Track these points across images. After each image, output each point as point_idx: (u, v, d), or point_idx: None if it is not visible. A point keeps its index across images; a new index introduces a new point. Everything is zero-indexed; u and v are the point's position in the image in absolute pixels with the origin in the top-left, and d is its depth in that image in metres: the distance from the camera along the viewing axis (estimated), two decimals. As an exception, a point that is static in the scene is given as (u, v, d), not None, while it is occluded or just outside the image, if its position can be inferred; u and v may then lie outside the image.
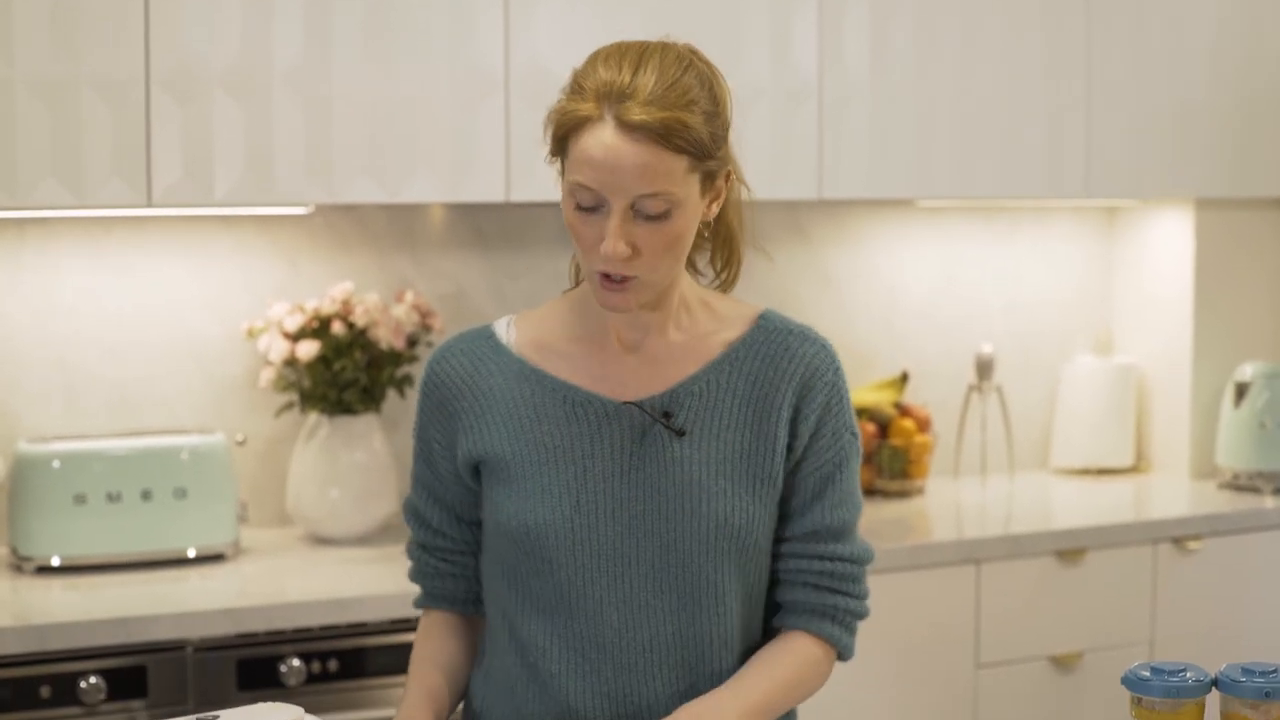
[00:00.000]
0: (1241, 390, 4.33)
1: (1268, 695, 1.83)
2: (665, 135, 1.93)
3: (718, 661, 2.12)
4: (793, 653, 2.15)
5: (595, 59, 2.00)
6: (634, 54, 1.98)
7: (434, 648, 2.23)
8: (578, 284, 2.22)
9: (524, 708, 2.12)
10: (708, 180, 2.02)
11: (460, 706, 2.26)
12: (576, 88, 1.98)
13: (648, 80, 1.94)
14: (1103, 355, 4.58)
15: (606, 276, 2.00)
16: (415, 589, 2.30)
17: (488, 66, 3.49)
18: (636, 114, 1.92)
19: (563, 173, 2.03)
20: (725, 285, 2.23)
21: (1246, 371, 4.34)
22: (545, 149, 2.06)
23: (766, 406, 2.13)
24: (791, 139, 3.77)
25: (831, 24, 3.78)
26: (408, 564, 2.31)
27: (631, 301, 2.03)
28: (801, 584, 2.16)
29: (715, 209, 2.07)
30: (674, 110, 1.94)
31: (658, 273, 2.01)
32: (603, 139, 1.93)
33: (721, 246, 2.20)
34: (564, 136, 1.99)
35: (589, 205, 1.97)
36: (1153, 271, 4.57)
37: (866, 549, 2.19)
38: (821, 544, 2.16)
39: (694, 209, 2.01)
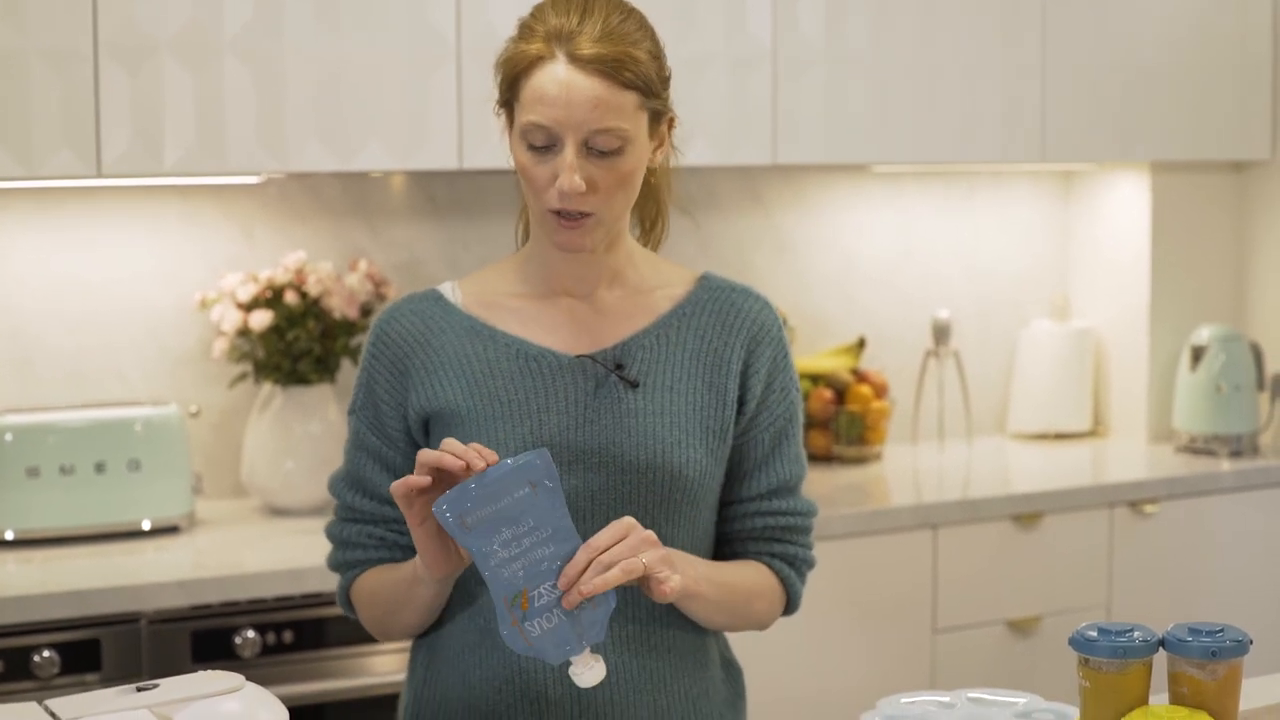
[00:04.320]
0: (1198, 354, 4.35)
1: (1214, 654, 1.84)
2: (615, 69, 1.99)
3: (667, 623, 2.13)
4: (756, 569, 2.19)
5: (543, 7, 2.05)
6: (580, 1, 2.04)
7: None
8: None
9: (472, 673, 2.12)
10: (654, 121, 2.07)
11: (405, 683, 2.25)
12: (525, 32, 2.04)
13: (595, 22, 2.01)
14: (1060, 320, 4.59)
15: (561, 215, 2.03)
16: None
17: (440, 33, 3.47)
18: (587, 49, 1.98)
19: (511, 121, 2.06)
20: (652, 246, 2.27)
21: (1203, 335, 4.36)
22: (494, 99, 2.09)
23: (717, 361, 2.15)
24: (746, 104, 3.76)
25: (785, -11, 3.78)
26: (329, 550, 2.22)
27: (586, 241, 2.05)
28: (758, 538, 2.19)
29: (660, 156, 2.12)
30: (622, 46, 2.00)
31: (611, 210, 2.05)
32: (556, 75, 1.99)
33: (648, 205, 2.23)
34: (515, 79, 2.03)
35: (542, 145, 2.01)
36: (1109, 236, 4.58)
37: (813, 503, 2.24)
38: (778, 499, 2.19)
39: (643, 148, 2.05)
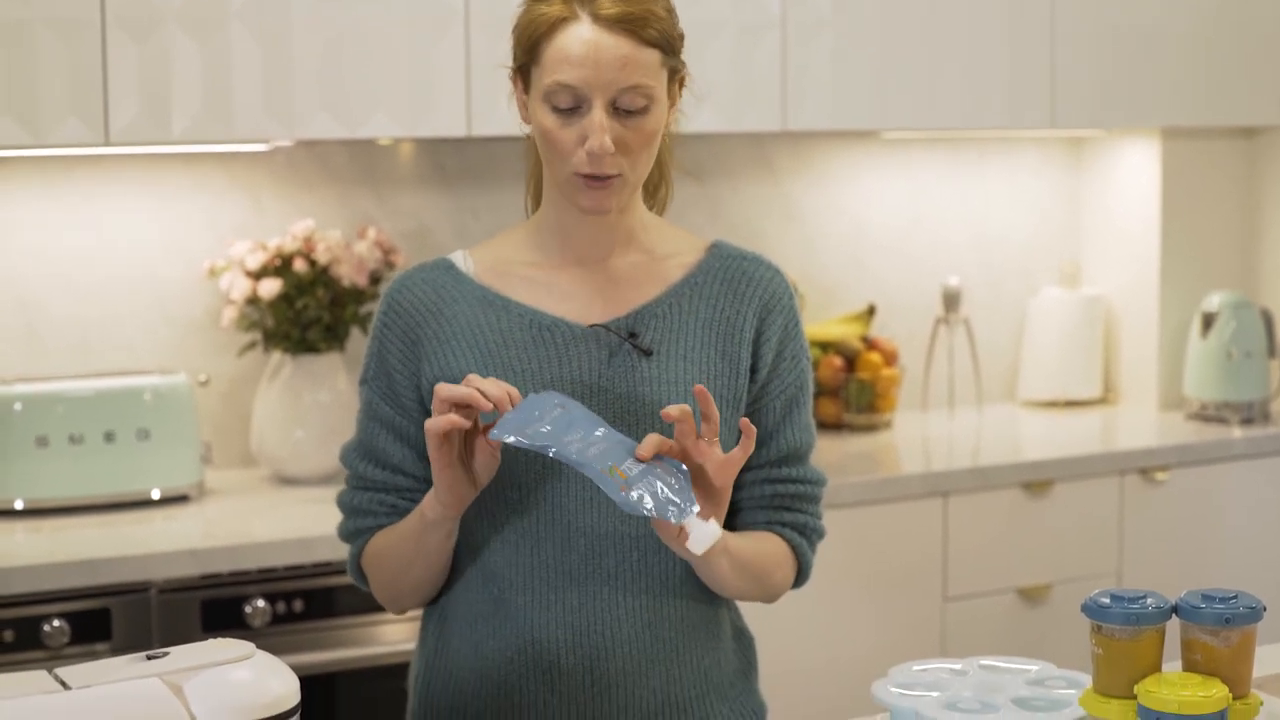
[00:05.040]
0: (1208, 321, 4.34)
1: (1228, 621, 1.83)
2: (640, 26, 1.99)
3: (681, 593, 2.12)
4: (770, 540, 2.18)
5: None
6: None
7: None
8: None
9: (484, 642, 2.11)
10: (673, 80, 2.07)
11: (415, 652, 2.25)
12: None
13: None
14: (1070, 287, 4.58)
15: (589, 177, 2.02)
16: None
17: None
18: (609, 8, 1.98)
19: (526, 86, 2.06)
20: (657, 211, 2.27)
21: (1213, 302, 4.35)
22: (508, 66, 2.09)
23: (729, 329, 2.15)
24: (755, 70, 3.74)
25: (795, -45, 3.76)
26: (340, 519, 2.21)
27: (612, 202, 2.05)
28: (769, 507, 2.19)
29: (674, 116, 2.12)
30: (643, 4, 2.00)
31: (636, 171, 2.05)
32: (581, 35, 1.98)
33: (651, 170, 2.21)
34: (535, 42, 2.02)
35: (568, 106, 2.00)
36: (1119, 203, 4.56)
37: (822, 472, 2.25)
38: (788, 467, 2.19)
39: (664, 107, 2.05)
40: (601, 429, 1.94)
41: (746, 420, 1.96)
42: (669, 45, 2.04)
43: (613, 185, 2.03)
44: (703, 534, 1.89)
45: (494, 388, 1.93)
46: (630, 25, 1.98)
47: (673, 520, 1.89)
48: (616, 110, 2.00)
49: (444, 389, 1.92)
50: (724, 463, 1.97)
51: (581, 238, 2.14)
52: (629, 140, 2.01)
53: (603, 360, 2.09)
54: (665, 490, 1.89)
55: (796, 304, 2.21)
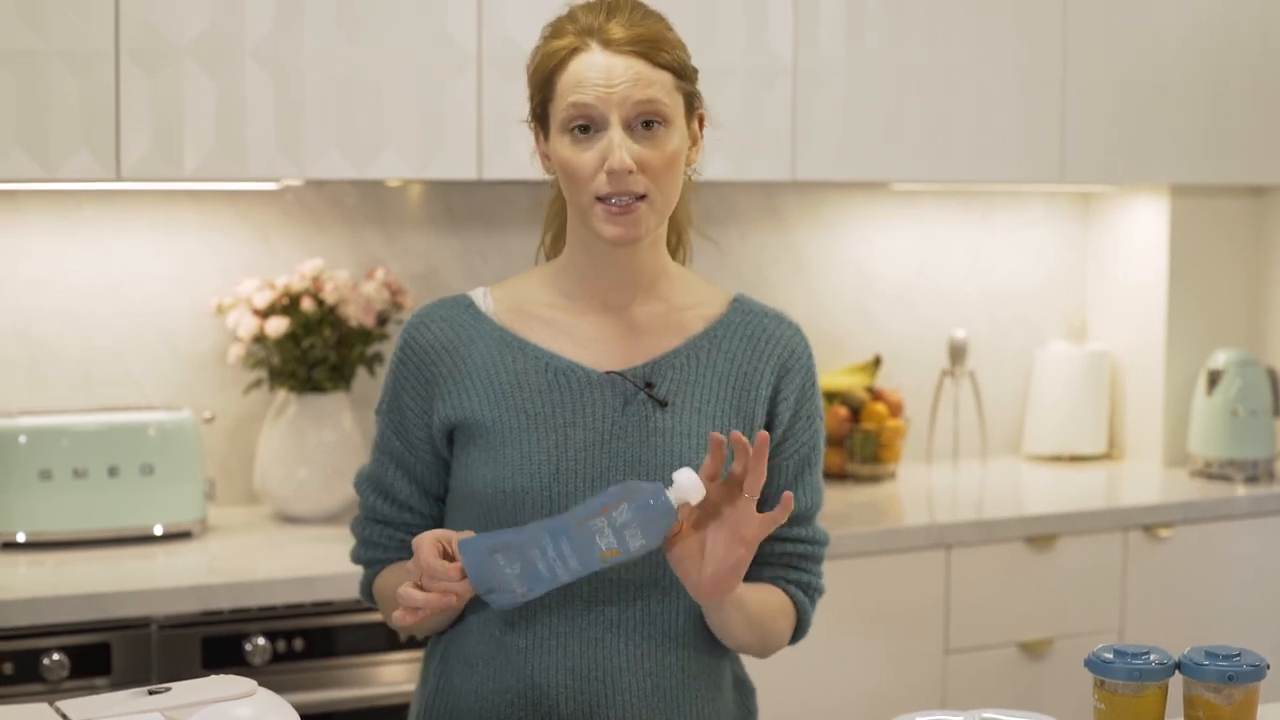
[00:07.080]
0: (1214, 378, 4.33)
1: (1231, 679, 1.83)
2: (651, 49, 2.02)
3: (683, 643, 2.11)
4: (773, 592, 2.17)
5: (571, 11, 2.08)
6: (606, 2, 2.07)
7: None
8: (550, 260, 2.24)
9: (485, 685, 2.11)
10: (690, 107, 2.09)
11: (415, 693, 2.25)
12: (555, 31, 2.07)
13: (623, 15, 2.04)
14: (1076, 342, 4.58)
15: (611, 201, 2.02)
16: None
17: (460, 42, 3.46)
18: (619, 33, 2.02)
19: (544, 130, 2.08)
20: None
21: (1219, 359, 4.34)
22: (525, 115, 2.12)
23: (746, 385, 2.14)
24: (765, 119, 3.75)
25: (807, 2, 3.77)
26: (353, 543, 2.26)
27: (639, 229, 2.04)
28: (775, 564, 2.19)
29: (695, 155, 2.12)
30: (651, 29, 2.04)
31: (662, 194, 2.05)
32: (594, 61, 2.02)
33: (670, 228, 2.22)
34: (549, 76, 2.05)
35: (585, 127, 2.02)
36: (1127, 258, 4.57)
37: (826, 532, 2.24)
38: (797, 528, 2.18)
39: (683, 134, 2.06)
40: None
41: (789, 495, 1.93)
42: (682, 70, 2.06)
43: (637, 210, 2.02)
44: (686, 482, 1.87)
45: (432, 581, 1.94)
46: (640, 48, 2.02)
47: (657, 502, 1.87)
48: (634, 131, 2.01)
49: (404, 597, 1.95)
50: (761, 521, 1.93)
51: (604, 281, 2.14)
52: (650, 160, 2.01)
53: (617, 408, 2.09)
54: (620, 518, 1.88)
55: (814, 364, 2.21)
